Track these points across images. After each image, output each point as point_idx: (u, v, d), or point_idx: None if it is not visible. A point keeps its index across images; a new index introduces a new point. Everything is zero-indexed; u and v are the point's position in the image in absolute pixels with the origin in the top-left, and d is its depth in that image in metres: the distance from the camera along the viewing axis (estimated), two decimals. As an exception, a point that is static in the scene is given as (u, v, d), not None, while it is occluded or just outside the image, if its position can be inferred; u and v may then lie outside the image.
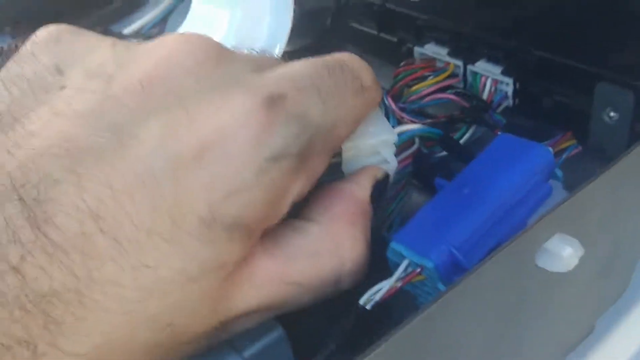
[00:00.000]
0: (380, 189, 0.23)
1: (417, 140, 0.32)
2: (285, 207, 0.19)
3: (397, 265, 0.22)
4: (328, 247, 0.20)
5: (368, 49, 0.38)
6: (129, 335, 0.16)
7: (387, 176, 0.24)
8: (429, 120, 0.31)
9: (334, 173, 0.23)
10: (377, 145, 0.25)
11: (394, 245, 0.22)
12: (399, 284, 0.21)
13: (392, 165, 0.26)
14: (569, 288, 0.23)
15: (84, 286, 0.15)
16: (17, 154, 0.16)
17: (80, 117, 0.17)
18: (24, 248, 0.15)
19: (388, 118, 0.33)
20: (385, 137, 0.25)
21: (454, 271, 0.21)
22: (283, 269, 0.19)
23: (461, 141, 0.30)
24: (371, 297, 0.21)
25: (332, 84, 0.20)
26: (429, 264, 0.21)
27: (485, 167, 0.23)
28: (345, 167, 0.26)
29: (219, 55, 0.19)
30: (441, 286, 0.21)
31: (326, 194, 0.22)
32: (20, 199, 0.15)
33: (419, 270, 0.21)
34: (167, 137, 0.17)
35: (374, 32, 0.37)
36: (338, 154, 0.23)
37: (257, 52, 0.22)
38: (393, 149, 0.26)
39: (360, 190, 0.22)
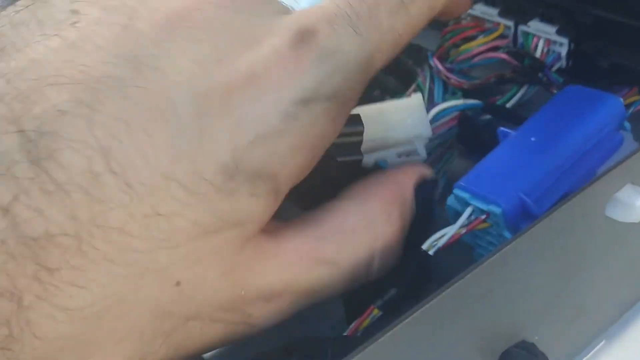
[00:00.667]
0: (427, 189, 0.21)
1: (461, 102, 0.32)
2: (317, 156, 0.17)
3: (457, 214, 0.22)
4: (363, 223, 0.19)
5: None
6: (132, 289, 0.14)
7: (435, 180, 0.22)
8: (477, 81, 0.30)
9: (353, 152, 0.22)
10: (412, 139, 0.25)
11: (458, 192, 0.21)
12: (463, 231, 0.21)
13: (421, 157, 0.26)
14: (635, 241, 0.22)
15: (86, 232, 0.13)
16: (17, 83, 0.14)
17: (94, 46, 0.15)
18: (18, 185, 0.13)
19: (433, 79, 0.32)
20: (421, 131, 0.25)
21: (521, 218, 0.21)
22: (316, 246, 0.18)
23: (511, 102, 0.30)
24: (434, 243, 0.21)
25: (364, 7, 0.17)
26: (497, 210, 0.20)
27: (553, 117, 0.22)
28: (375, 155, 0.26)
29: None
30: (507, 233, 0.21)
31: (364, 178, 0.21)
32: (20, 130, 0.13)
33: (484, 217, 0.21)
34: (194, 73, 0.15)
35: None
36: (359, 132, 0.22)
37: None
38: (425, 142, 0.26)
39: (403, 176, 0.21)
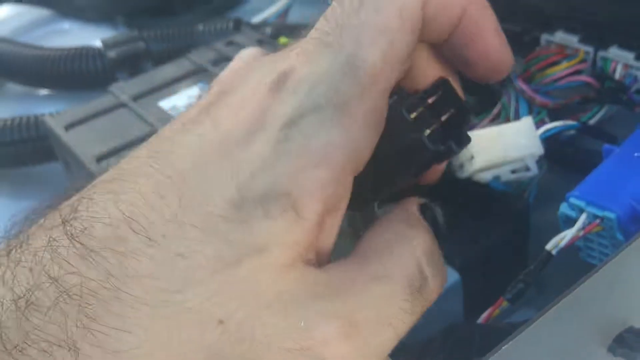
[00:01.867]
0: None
1: (547, 120, 0.35)
2: (345, 161, 0.17)
3: (569, 220, 0.26)
4: (396, 236, 0.19)
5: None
6: (174, 330, 0.15)
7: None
8: (562, 101, 0.34)
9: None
10: (525, 157, 0.28)
11: (573, 200, 0.25)
12: (581, 233, 0.25)
13: (533, 172, 0.30)
14: None
15: (121, 283, 0.15)
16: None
17: None
18: (62, 259, 0.15)
19: (517, 100, 0.36)
20: (534, 150, 0.28)
21: (632, 223, 0.24)
22: (364, 264, 0.18)
23: (593, 120, 0.33)
24: (556, 244, 0.25)
25: (333, 20, 0.18)
26: (611, 215, 0.24)
27: (651, 135, 0.26)
28: (491, 172, 0.29)
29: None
30: (620, 236, 0.24)
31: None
32: (62, 219, 0.16)
33: (598, 221, 0.24)
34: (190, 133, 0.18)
35: (495, 22, 0.40)
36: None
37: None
38: (536, 159, 0.29)
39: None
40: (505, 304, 0.25)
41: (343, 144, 0.17)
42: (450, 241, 0.29)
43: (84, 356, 0.14)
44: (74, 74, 0.45)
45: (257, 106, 0.17)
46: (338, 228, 0.18)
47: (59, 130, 0.34)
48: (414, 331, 0.26)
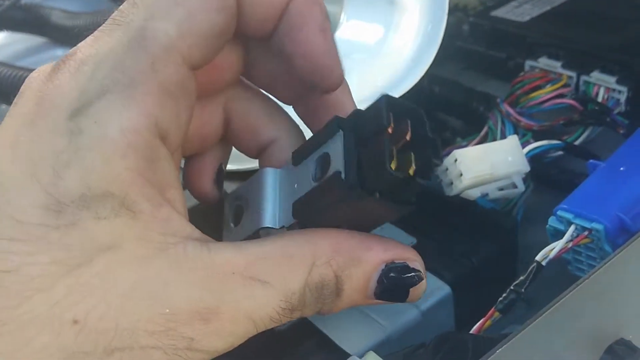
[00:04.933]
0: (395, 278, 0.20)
1: (531, 141, 0.36)
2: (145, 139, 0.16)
3: (558, 233, 0.26)
4: (303, 253, 0.18)
5: (475, 64, 0.42)
6: (23, 344, 0.14)
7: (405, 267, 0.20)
8: (547, 123, 0.35)
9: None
10: (512, 174, 0.29)
11: (561, 213, 0.26)
12: (569, 245, 0.25)
13: (519, 190, 0.30)
14: None
15: None
16: None
17: None
18: None
19: (504, 122, 0.37)
20: (520, 167, 0.29)
21: (619, 234, 0.25)
22: (250, 262, 0.17)
23: (578, 141, 0.34)
24: (545, 255, 0.25)
25: None
26: (599, 227, 0.24)
27: (635, 151, 0.27)
28: (479, 189, 0.30)
29: None
30: (607, 248, 0.25)
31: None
32: None
33: (586, 233, 0.25)
34: None
35: (482, 49, 0.41)
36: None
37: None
38: (523, 177, 0.30)
39: (367, 249, 0.19)
40: (496, 314, 0.25)
41: (143, 124, 0.16)
42: (441, 256, 0.29)
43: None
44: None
45: (33, 94, 0.16)
46: (182, 199, 0.17)
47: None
48: (406, 343, 0.26)
